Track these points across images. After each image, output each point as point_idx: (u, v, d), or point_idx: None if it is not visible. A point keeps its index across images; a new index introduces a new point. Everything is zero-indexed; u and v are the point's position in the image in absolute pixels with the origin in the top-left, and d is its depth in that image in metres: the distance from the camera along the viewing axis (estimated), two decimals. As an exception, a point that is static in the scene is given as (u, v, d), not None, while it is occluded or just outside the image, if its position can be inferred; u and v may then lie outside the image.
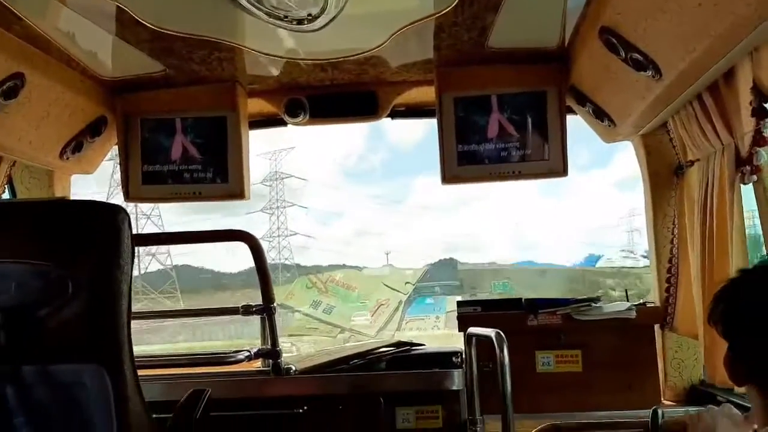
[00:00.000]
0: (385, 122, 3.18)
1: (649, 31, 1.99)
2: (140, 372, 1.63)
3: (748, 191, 2.16)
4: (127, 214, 1.58)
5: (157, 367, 2.65)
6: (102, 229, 1.55)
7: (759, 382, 1.24)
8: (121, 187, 3.03)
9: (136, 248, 1.61)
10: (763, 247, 2.09)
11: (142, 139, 2.99)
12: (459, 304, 2.94)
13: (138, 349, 1.66)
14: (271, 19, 2.11)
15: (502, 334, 2.21)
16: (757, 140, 2.00)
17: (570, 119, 2.89)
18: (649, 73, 2.09)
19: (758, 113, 1.95)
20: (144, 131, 2.99)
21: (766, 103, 1.92)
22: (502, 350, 2.17)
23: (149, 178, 3.01)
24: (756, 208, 2.12)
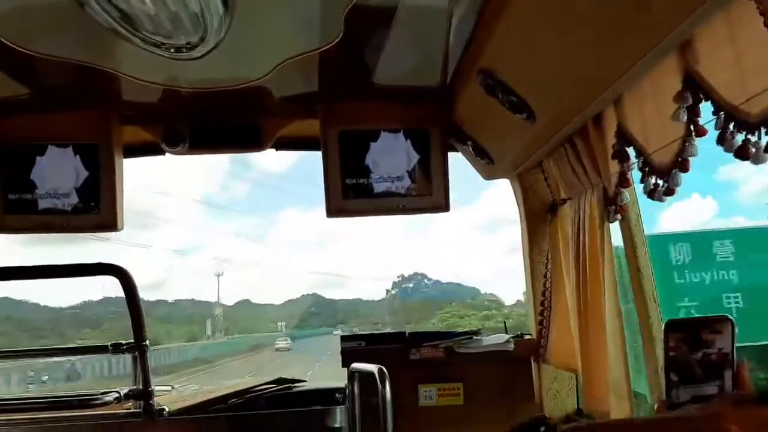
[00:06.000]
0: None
1: (523, 75, 2.08)
2: None
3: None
4: None
5: (16, 412, 2.46)
6: None
7: None
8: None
9: None
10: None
11: (5, 166, 2.76)
12: (343, 338, 2.92)
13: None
14: (147, 46, 2.01)
15: (384, 370, 2.20)
16: (622, 181, 2.12)
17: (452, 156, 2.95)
18: (524, 115, 2.17)
19: (620, 156, 2.07)
20: (7, 157, 2.77)
21: (628, 147, 2.04)
22: (384, 387, 2.16)
23: (12, 207, 2.77)
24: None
